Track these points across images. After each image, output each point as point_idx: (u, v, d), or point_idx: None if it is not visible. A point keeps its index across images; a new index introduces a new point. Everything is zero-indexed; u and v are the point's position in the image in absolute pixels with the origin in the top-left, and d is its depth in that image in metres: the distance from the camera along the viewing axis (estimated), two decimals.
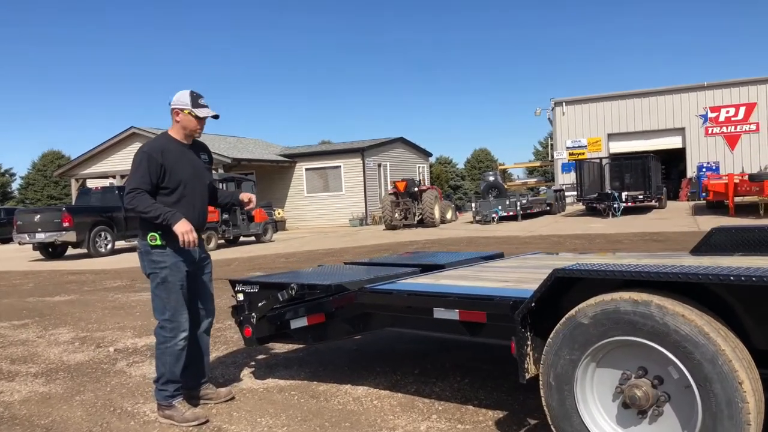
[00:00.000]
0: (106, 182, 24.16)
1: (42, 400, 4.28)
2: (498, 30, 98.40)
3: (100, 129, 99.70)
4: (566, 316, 2.57)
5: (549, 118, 31.13)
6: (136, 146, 25.10)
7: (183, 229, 3.45)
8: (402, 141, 29.65)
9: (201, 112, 3.65)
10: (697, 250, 4.16)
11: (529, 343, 2.75)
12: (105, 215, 17.27)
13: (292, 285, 3.90)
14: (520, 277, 3.63)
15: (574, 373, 2.55)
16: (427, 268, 4.45)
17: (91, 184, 24.29)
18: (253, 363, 4.90)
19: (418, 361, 4.55)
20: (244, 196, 4.07)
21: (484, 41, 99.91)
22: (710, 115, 27.17)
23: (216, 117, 3.75)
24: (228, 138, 31.04)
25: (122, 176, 25.53)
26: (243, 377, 4.52)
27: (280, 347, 5.16)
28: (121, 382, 4.60)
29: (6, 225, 25.49)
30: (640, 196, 20.20)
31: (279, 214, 24.98)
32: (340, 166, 26.22)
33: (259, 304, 4.10)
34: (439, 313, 3.21)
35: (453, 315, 3.15)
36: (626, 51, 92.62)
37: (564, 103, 29.78)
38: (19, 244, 17.53)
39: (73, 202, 23.03)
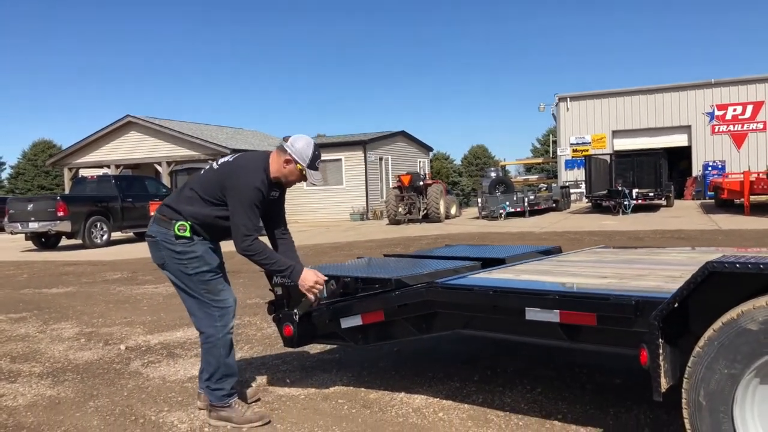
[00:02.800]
0: (100, 172, 23.49)
1: (51, 405, 3.76)
2: (495, 24, 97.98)
3: (92, 118, 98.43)
4: (723, 319, 2.09)
5: (553, 114, 30.67)
6: (132, 135, 24.92)
7: (309, 283, 3.24)
8: (403, 135, 29.05)
9: (312, 177, 3.30)
10: None
11: (660, 351, 2.27)
12: (101, 205, 16.64)
13: (346, 278, 3.39)
14: (616, 273, 3.14)
15: (733, 391, 2.07)
16: (488, 262, 3.95)
17: (85, 173, 23.55)
18: (284, 365, 4.39)
19: (473, 365, 4.06)
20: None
21: (481, 36, 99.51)
22: (717, 113, 26.76)
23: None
24: (225, 128, 30.41)
25: (117, 166, 24.87)
26: (277, 381, 4.01)
27: (310, 347, 4.63)
28: (139, 385, 4.08)
29: None
30: (651, 194, 19.75)
31: None
32: (341, 159, 25.57)
33: (303, 299, 3.59)
34: (533, 313, 2.71)
35: (551, 317, 2.66)
36: (631, 47, 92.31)
37: (568, 99, 29.30)
38: (11, 233, 16.85)
39: (67, 192, 22.36)
